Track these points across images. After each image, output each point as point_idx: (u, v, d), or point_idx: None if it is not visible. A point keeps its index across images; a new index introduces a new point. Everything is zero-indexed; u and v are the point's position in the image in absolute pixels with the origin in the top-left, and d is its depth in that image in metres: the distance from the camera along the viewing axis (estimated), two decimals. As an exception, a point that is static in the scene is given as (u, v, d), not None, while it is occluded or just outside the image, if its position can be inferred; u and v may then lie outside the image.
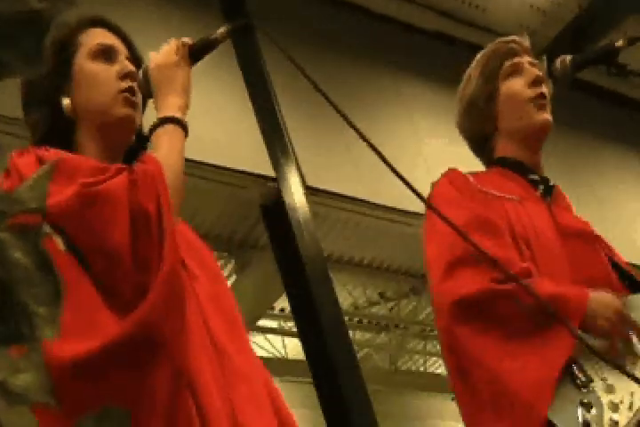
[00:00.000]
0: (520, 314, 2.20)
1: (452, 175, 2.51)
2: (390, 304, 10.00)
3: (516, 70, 2.58)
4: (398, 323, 10.30)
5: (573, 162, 8.08)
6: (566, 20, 8.10)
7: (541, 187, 2.54)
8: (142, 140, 2.05)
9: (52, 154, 1.82)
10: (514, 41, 2.65)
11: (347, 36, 7.29)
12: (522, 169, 2.56)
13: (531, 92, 2.55)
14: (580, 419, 2.10)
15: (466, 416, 2.30)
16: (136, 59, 2.09)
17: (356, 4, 7.53)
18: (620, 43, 2.38)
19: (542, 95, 2.55)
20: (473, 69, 2.66)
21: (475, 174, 2.54)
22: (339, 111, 1.66)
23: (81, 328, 1.58)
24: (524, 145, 2.57)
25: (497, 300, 2.23)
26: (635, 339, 2.24)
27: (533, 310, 2.18)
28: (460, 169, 2.54)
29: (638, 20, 7.88)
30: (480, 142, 2.64)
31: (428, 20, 7.76)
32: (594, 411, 2.12)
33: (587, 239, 2.47)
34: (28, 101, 2.02)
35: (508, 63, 2.59)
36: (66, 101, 1.96)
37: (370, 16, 7.61)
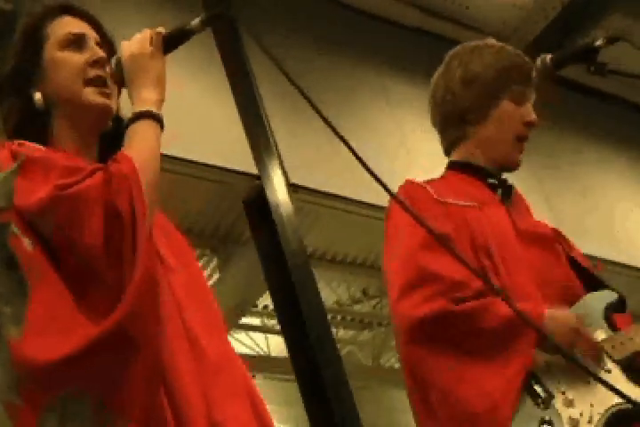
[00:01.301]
0: (476, 334, 2.20)
1: (408, 190, 2.48)
2: (373, 302, 9.99)
3: (522, 100, 2.58)
4: (381, 320, 10.28)
5: (556, 155, 8.10)
6: (549, 18, 8.10)
7: (500, 190, 2.54)
8: (120, 124, 2.02)
9: (26, 149, 1.81)
10: (532, 69, 2.61)
11: (333, 33, 7.30)
12: (481, 173, 2.55)
13: (522, 130, 2.55)
14: None
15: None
16: (107, 43, 2.06)
17: (344, 2, 7.53)
18: (599, 42, 2.39)
19: (526, 138, 2.56)
20: (482, 54, 2.63)
21: (432, 182, 2.53)
22: (313, 105, 1.66)
23: (50, 327, 1.56)
24: (490, 161, 2.56)
25: (452, 321, 2.22)
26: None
27: (494, 328, 2.18)
28: (418, 179, 2.52)
29: (621, 16, 7.90)
30: (447, 130, 2.63)
31: (411, 17, 7.76)
32: None
33: (546, 243, 2.47)
34: (2, 95, 2.00)
35: (519, 87, 2.59)
36: (37, 96, 1.95)
37: (357, 13, 7.62)
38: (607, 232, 8.01)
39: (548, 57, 2.46)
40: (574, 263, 2.50)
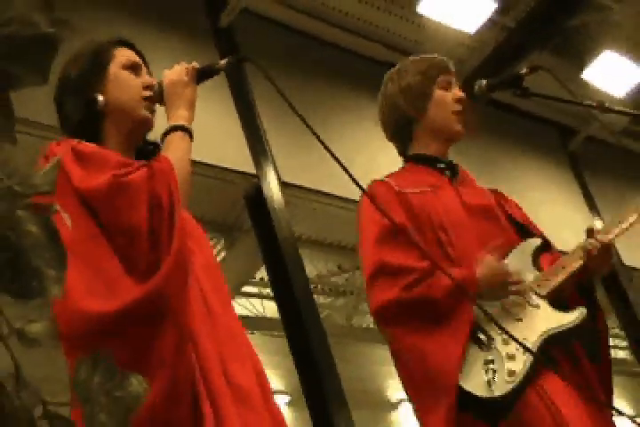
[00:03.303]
0: (427, 309, 2.18)
1: (373, 188, 2.45)
2: (347, 275, 10.03)
3: (448, 86, 2.57)
4: (353, 289, 10.33)
5: (488, 161, 8.14)
6: (485, 53, 8.15)
7: (447, 172, 2.54)
8: (149, 143, 2.05)
9: (84, 146, 1.82)
10: (448, 62, 2.62)
11: (316, 64, 7.31)
12: (431, 161, 2.55)
13: (456, 106, 2.54)
14: (485, 378, 2.09)
15: (411, 398, 2.27)
16: (149, 73, 2.08)
17: (324, 39, 7.55)
18: (524, 71, 2.40)
19: (463, 112, 2.56)
20: (407, 69, 2.61)
21: (393, 176, 2.51)
22: (299, 116, 1.67)
23: (94, 288, 1.58)
24: (440, 143, 2.55)
25: (406, 305, 2.20)
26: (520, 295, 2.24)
27: (437, 303, 2.17)
28: (382, 177, 2.52)
29: (539, 54, 7.97)
30: (399, 135, 2.61)
31: (376, 51, 7.78)
32: (495, 365, 2.11)
33: (489, 214, 2.46)
34: (64, 95, 1.99)
35: (442, 77, 2.56)
36: (100, 97, 1.94)
37: (332, 47, 7.64)
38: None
39: (484, 82, 2.46)
40: (513, 221, 2.49)
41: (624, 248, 8.59)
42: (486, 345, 2.15)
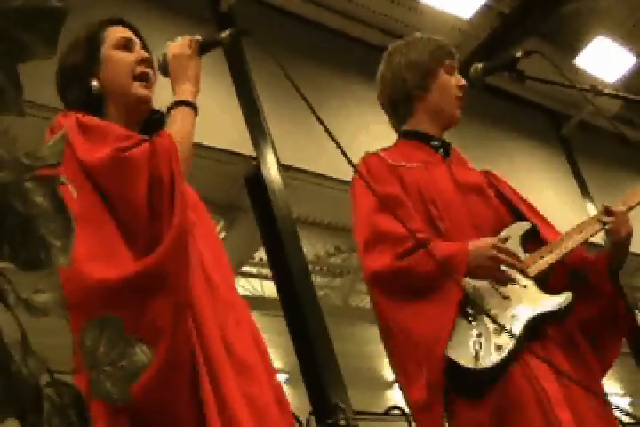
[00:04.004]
0: (418, 279, 2.17)
1: (366, 161, 2.44)
2: (344, 255, 10.04)
3: (453, 72, 2.55)
4: (350, 270, 10.34)
5: (482, 145, 8.14)
6: (481, 38, 8.13)
7: (441, 150, 2.53)
8: (154, 113, 2.03)
9: (88, 119, 1.82)
10: (452, 48, 2.60)
11: (314, 49, 7.30)
12: (425, 138, 2.54)
13: (458, 92, 2.52)
14: (472, 351, 2.09)
15: (394, 364, 2.27)
16: (146, 47, 2.06)
17: (321, 24, 7.53)
18: (519, 54, 2.39)
19: (463, 98, 2.55)
20: (416, 45, 2.59)
21: (386, 150, 2.49)
22: (302, 95, 1.66)
23: (99, 257, 1.59)
24: (438, 125, 2.54)
25: (398, 272, 2.20)
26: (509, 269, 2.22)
27: (429, 273, 2.16)
28: (376, 149, 2.51)
29: (533, 40, 7.96)
30: (398, 110, 2.59)
31: (373, 37, 7.76)
32: (482, 339, 2.11)
33: (480, 191, 2.45)
34: (64, 84, 1.99)
35: (449, 62, 2.54)
36: (94, 82, 1.93)
37: (329, 32, 7.62)
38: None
39: (480, 65, 2.45)
40: (507, 202, 2.48)
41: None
42: (474, 319, 2.15)
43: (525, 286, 2.23)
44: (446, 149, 2.52)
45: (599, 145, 9.57)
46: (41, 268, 0.54)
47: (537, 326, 2.17)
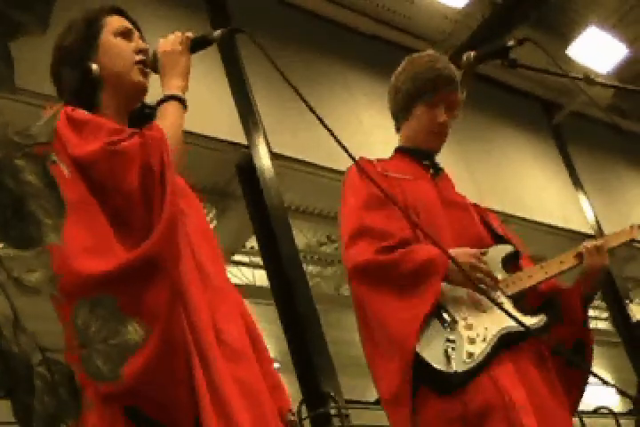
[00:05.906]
0: (398, 276, 2.21)
1: (360, 164, 2.42)
2: (335, 244, 10.04)
3: (432, 105, 2.51)
4: (341, 259, 10.35)
5: (475, 134, 8.16)
6: (473, 27, 8.14)
7: (431, 170, 2.55)
8: (146, 107, 2.03)
9: (78, 113, 1.81)
10: (453, 73, 2.56)
11: (307, 37, 7.29)
12: (418, 156, 2.56)
13: (435, 128, 2.50)
14: (444, 354, 2.13)
15: (367, 355, 2.30)
16: (143, 38, 2.07)
17: (314, 12, 7.53)
18: (511, 42, 2.38)
19: (441, 133, 2.54)
20: (402, 75, 2.57)
21: (380, 161, 2.53)
22: (292, 86, 1.66)
23: (86, 241, 1.60)
24: (424, 146, 2.56)
25: (379, 267, 2.24)
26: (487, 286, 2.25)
27: (410, 271, 2.20)
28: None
29: (525, 30, 7.97)
30: (397, 116, 2.60)
31: (366, 25, 7.77)
32: (455, 345, 2.16)
33: (464, 209, 2.49)
34: (60, 66, 1.97)
35: (444, 92, 2.51)
36: (94, 66, 1.93)
37: (329, 23, 7.63)
38: (517, 194, 8.10)
39: (472, 54, 2.45)
40: (489, 227, 2.51)
41: (603, 218, 8.65)
42: (449, 326, 2.20)
43: (502, 303, 2.27)
44: (437, 170, 2.55)
45: (590, 134, 9.60)
46: (32, 246, 0.54)
47: (509, 341, 2.21)
